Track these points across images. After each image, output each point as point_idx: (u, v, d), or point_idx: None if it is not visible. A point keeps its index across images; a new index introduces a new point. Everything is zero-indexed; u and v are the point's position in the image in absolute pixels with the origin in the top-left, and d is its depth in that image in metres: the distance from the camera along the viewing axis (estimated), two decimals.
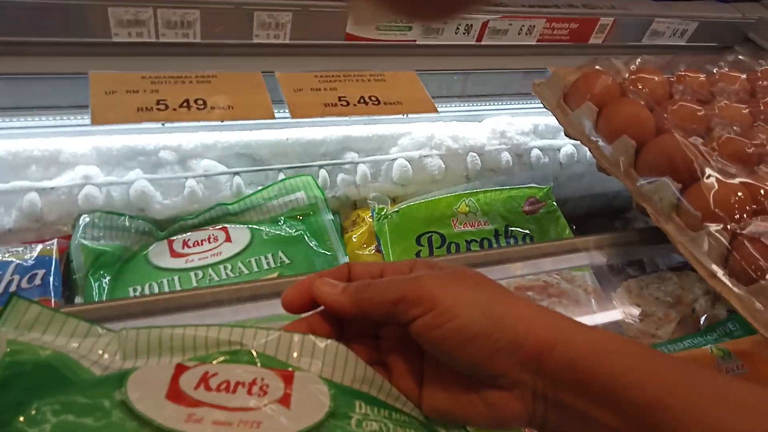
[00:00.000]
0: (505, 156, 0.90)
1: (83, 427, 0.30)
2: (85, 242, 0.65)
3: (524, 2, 0.82)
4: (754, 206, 0.54)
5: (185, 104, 0.62)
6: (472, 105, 0.91)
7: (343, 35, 0.74)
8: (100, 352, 0.35)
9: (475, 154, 0.88)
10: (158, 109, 0.61)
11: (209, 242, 0.70)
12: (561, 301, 0.82)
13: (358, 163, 0.82)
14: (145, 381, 0.33)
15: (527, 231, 0.86)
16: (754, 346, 0.87)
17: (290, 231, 0.74)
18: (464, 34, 0.80)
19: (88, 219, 0.66)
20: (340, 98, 0.69)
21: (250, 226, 0.74)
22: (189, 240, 0.70)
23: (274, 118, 0.64)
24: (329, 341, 0.37)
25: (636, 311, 0.95)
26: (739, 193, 0.54)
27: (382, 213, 0.79)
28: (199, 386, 0.33)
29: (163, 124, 0.70)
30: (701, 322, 0.95)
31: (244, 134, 0.78)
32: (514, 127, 0.92)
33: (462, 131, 0.89)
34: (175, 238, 0.71)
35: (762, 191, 0.54)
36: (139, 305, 0.50)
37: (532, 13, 0.81)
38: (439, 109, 0.88)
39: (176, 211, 0.73)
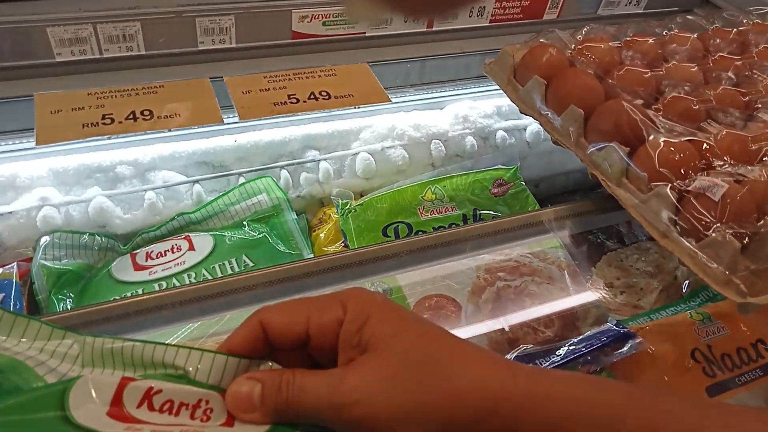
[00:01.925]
0: (470, 140, 0.90)
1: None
2: (45, 263, 0.65)
3: None
4: (702, 162, 0.53)
5: (131, 116, 0.63)
6: (432, 92, 0.90)
7: (290, 34, 0.74)
8: (61, 357, 0.35)
9: (438, 141, 0.88)
10: (104, 124, 0.61)
11: (172, 252, 0.70)
12: (534, 279, 0.81)
13: (319, 160, 0.82)
14: (89, 391, 0.33)
15: (497, 213, 0.86)
16: (734, 307, 0.86)
17: (254, 234, 0.74)
18: (414, 21, 0.80)
19: (47, 239, 0.66)
20: (289, 96, 0.69)
21: (213, 232, 0.74)
22: (152, 252, 0.70)
23: (222, 122, 0.64)
24: (271, 364, 0.35)
25: (617, 283, 0.94)
26: (685, 151, 0.53)
27: (347, 208, 0.79)
28: (142, 404, 0.33)
29: (109, 138, 0.70)
30: (684, 289, 0.94)
31: (201, 142, 0.78)
32: (477, 111, 0.92)
33: (423, 119, 0.89)
34: (137, 251, 0.71)
35: (707, 146, 0.53)
36: (98, 312, 0.49)
37: None
38: (398, 99, 0.89)
39: (137, 225, 0.73)
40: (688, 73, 0.66)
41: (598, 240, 0.99)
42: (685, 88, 0.64)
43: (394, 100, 0.89)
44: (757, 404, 0.73)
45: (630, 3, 0.92)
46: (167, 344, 0.34)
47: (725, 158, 0.53)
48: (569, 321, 0.79)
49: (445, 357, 0.32)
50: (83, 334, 0.36)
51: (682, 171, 0.52)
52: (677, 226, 0.51)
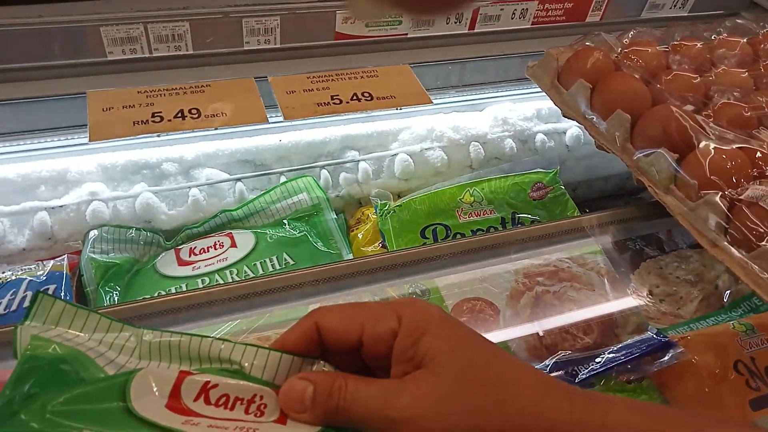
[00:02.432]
0: (509, 143, 0.89)
1: (84, 421, 0.31)
2: (94, 256, 0.67)
3: None
4: (754, 171, 0.52)
5: (180, 115, 0.64)
6: (472, 94, 0.90)
7: (333, 35, 0.75)
8: (119, 349, 0.36)
9: (477, 144, 0.88)
10: (154, 122, 0.63)
11: (215, 249, 0.72)
12: (573, 284, 0.80)
13: (359, 161, 0.83)
14: (149, 384, 0.34)
15: (536, 217, 0.85)
16: None
17: (294, 232, 0.75)
18: (456, 23, 0.80)
19: (96, 234, 0.68)
20: (332, 97, 0.70)
21: (255, 230, 0.75)
22: (195, 248, 0.72)
23: (267, 121, 0.65)
24: (324, 364, 0.36)
25: (657, 291, 0.93)
26: (737, 159, 0.52)
27: (386, 208, 0.79)
28: (199, 398, 0.34)
29: (158, 136, 0.72)
30: (725, 299, 0.92)
31: (244, 141, 0.79)
32: (516, 114, 0.91)
33: (463, 121, 0.88)
34: (181, 246, 0.72)
35: (760, 154, 0.52)
36: (154, 305, 0.50)
37: None
38: (438, 101, 0.89)
39: (182, 221, 0.74)
40: (739, 79, 0.64)
41: (637, 247, 0.97)
42: (735, 94, 0.62)
43: (435, 100, 0.90)
44: None
45: (675, 6, 0.90)
46: (223, 339, 0.35)
47: None
48: (608, 328, 0.78)
49: (500, 379, 0.31)
50: (140, 327, 0.37)
51: (734, 179, 0.51)
52: (727, 236, 0.50)
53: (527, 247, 0.68)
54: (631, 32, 0.69)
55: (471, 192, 0.84)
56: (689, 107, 0.58)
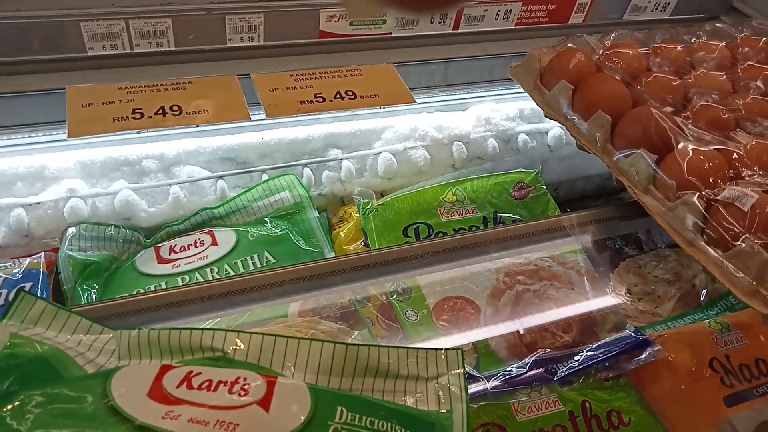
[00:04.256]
0: (491, 143, 0.90)
1: (64, 418, 0.31)
2: (72, 254, 0.66)
3: None
4: (731, 171, 0.53)
5: (161, 111, 0.63)
6: (455, 94, 0.90)
7: (318, 33, 0.74)
8: (98, 351, 0.36)
9: (460, 143, 0.88)
10: (134, 118, 0.62)
11: (195, 246, 0.71)
12: (553, 283, 0.81)
13: (342, 159, 0.83)
14: (130, 379, 0.34)
15: (518, 216, 0.86)
16: (753, 317, 0.85)
17: (276, 231, 0.75)
18: (440, 23, 0.80)
19: (74, 231, 0.67)
20: (315, 95, 0.70)
21: (236, 228, 0.75)
22: (175, 246, 0.71)
23: (250, 119, 0.65)
24: (322, 344, 0.36)
25: (635, 290, 0.94)
26: (714, 160, 0.53)
27: (368, 207, 0.79)
28: (181, 385, 0.34)
29: (138, 133, 0.71)
30: (702, 298, 0.94)
31: (226, 138, 0.78)
32: (499, 113, 0.92)
33: (446, 121, 0.89)
34: (161, 244, 0.71)
35: (736, 156, 0.53)
36: (131, 303, 0.49)
37: None
38: (421, 100, 0.89)
39: (162, 218, 0.73)
40: (717, 82, 0.65)
41: (617, 246, 0.99)
42: (713, 96, 0.63)
43: (418, 99, 0.90)
44: None
45: (656, 9, 0.91)
46: (203, 329, 0.35)
47: (755, 168, 0.53)
48: (587, 326, 0.79)
49: None
50: (119, 329, 0.37)
51: (711, 180, 0.52)
52: (704, 235, 0.51)
53: (508, 246, 0.68)
54: (613, 34, 0.70)
55: (453, 191, 0.84)
56: (668, 109, 0.59)
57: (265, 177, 0.79)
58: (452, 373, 0.40)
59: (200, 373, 0.34)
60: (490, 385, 0.67)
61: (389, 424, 0.36)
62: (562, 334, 0.76)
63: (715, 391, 0.72)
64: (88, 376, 0.35)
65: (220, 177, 0.77)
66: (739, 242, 0.48)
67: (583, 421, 0.66)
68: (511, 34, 0.84)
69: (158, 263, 0.69)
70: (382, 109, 0.86)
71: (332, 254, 0.76)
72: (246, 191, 0.77)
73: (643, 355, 0.74)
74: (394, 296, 0.74)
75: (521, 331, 0.75)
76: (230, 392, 0.34)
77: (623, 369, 0.73)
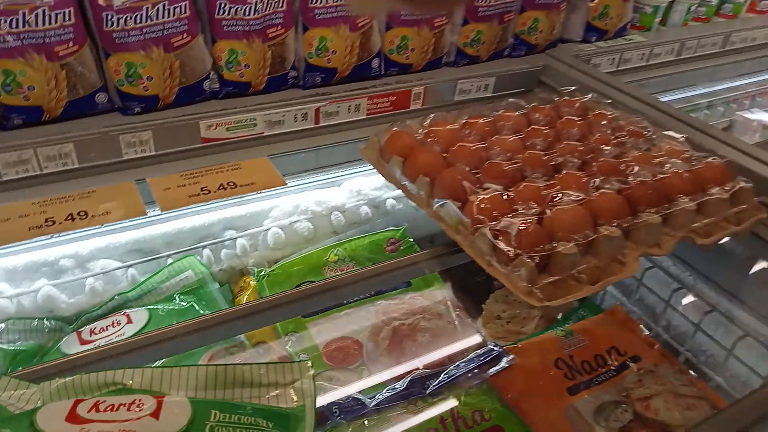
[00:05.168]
0: (364, 209, 1.08)
1: None
2: (2, 346, 0.77)
3: (348, 88, 1.03)
4: (510, 209, 0.72)
5: (70, 217, 0.77)
6: (329, 173, 1.09)
7: (200, 139, 0.91)
8: (26, 400, 0.49)
9: (338, 213, 1.06)
10: (47, 225, 0.76)
11: (113, 327, 0.83)
12: (424, 316, 0.98)
13: (236, 238, 0.98)
14: (51, 412, 0.47)
15: None
16: (592, 323, 1.05)
17: (183, 304, 0.88)
18: (303, 120, 0.99)
19: (2, 327, 0.78)
20: (202, 189, 0.85)
21: (148, 307, 0.88)
22: (95, 328, 0.83)
23: (146, 214, 0.79)
24: (197, 369, 0.51)
25: (504, 315, 1.12)
26: (496, 202, 0.72)
27: (262, 274, 0.94)
28: (91, 410, 0.47)
29: (51, 237, 0.84)
30: (559, 315, 1.13)
31: (133, 233, 0.93)
32: (368, 185, 1.11)
33: (324, 196, 1.07)
34: (82, 329, 0.83)
35: (512, 197, 0.73)
36: (52, 368, 0.60)
37: (354, 95, 1.02)
38: (301, 182, 1.07)
39: (81, 307, 0.86)
40: (509, 143, 0.86)
41: (485, 279, 1.18)
42: (508, 155, 0.84)
43: (297, 183, 1.08)
44: (611, 399, 0.89)
45: (479, 90, 1.15)
46: (106, 370, 0.49)
47: (526, 204, 0.72)
48: (455, 348, 0.96)
49: None
50: (42, 382, 0.50)
51: (495, 216, 0.71)
52: (495, 257, 0.69)
53: (371, 286, 0.81)
54: (430, 117, 0.91)
55: (335, 252, 1.01)
56: (468, 169, 0.79)
57: (169, 261, 0.93)
58: (303, 378, 0.55)
59: (105, 401, 0.48)
60: (372, 404, 0.82)
61: (253, 418, 0.50)
62: (434, 355, 0.92)
63: (560, 384, 0.90)
64: (18, 414, 0.47)
65: (130, 266, 0.90)
66: (515, 259, 0.67)
67: (451, 423, 0.81)
68: (363, 123, 1.04)
69: (80, 344, 0.80)
70: (268, 193, 1.04)
71: None
72: (153, 275, 0.90)
73: (500, 365, 0.91)
74: (289, 344, 0.88)
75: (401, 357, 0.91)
76: (128, 410, 0.47)
77: (484, 377, 0.90)
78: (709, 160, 0.82)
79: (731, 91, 1.59)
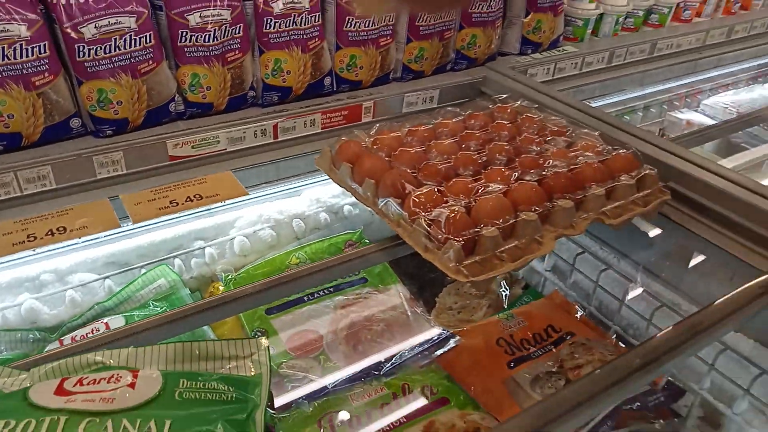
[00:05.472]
0: (323, 215, 1.18)
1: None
2: None
3: (303, 105, 1.13)
4: (442, 201, 0.82)
5: (50, 233, 0.85)
6: (290, 184, 1.18)
7: (168, 157, 1.00)
8: (20, 384, 0.57)
9: (299, 220, 1.15)
10: (29, 241, 0.84)
11: (92, 333, 0.91)
12: (379, 308, 1.07)
13: (204, 247, 1.07)
14: (41, 388, 0.55)
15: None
16: (532, 307, 1.16)
17: (157, 309, 0.96)
18: (262, 135, 1.09)
19: None
20: (171, 202, 0.94)
21: (125, 314, 0.95)
22: (76, 336, 0.91)
23: (119, 226, 0.88)
24: (167, 346, 0.59)
25: (455, 306, 1.22)
26: (430, 196, 0.82)
27: (229, 278, 1.03)
28: (76, 385, 0.55)
29: (34, 251, 0.92)
30: (505, 302, 1.23)
31: (108, 247, 1.01)
32: (327, 193, 1.20)
33: (285, 205, 1.16)
34: (64, 338, 0.91)
35: (443, 191, 0.83)
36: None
37: (309, 111, 1.12)
38: (263, 192, 1.16)
39: (62, 318, 0.93)
40: (446, 146, 0.97)
41: (438, 275, 1.27)
42: (444, 156, 0.94)
43: (260, 194, 1.17)
44: (546, 370, 0.99)
45: (425, 102, 1.26)
46: (89, 351, 0.57)
47: (456, 196, 0.83)
48: (408, 333, 1.05)
49: None
50: (30, 369, 0.58)
51: (429, 208, 0.81)
52: (431, 243, 0.79)
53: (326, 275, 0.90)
54: (375, 127, 1.01)
55: (297, 255, 1.10)
56: (408, 170, 0.89)
57: (143, 271, 1.01)
58: (259, 351, 0.63)
59: (88, 377, 0.56)
60: (330, 384, 0.90)
61: (216, 384, 0.59)
62: (386, 341, 1.01)
63: (501, 360, 1.00)
64: (12, 392, 0.56)
65: (107, 277, 0.98)
66: (445, 243, 0.76)
67: (402, 397, 0.91)
68: (319, 136, 1.14)
69: None
70: (233, 204, 1.13)
71: None
72: (128, 284, 0.98)
73: (447, 346, 1.01)
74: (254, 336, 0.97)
75: (359, 347, 1.00)
76: (108, 382, 0.55)
77: (433, 357, 0.99)
78: (619, 152, 0.94)
79: (661, 93, 1.74)
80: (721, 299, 0.74)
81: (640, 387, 0.75)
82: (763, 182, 0.93)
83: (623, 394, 0.66)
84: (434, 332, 1.02)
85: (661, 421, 1.00)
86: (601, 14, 1.58)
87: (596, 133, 0.99)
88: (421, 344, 0.99)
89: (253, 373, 0.62)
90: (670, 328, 0.70)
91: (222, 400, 0.55)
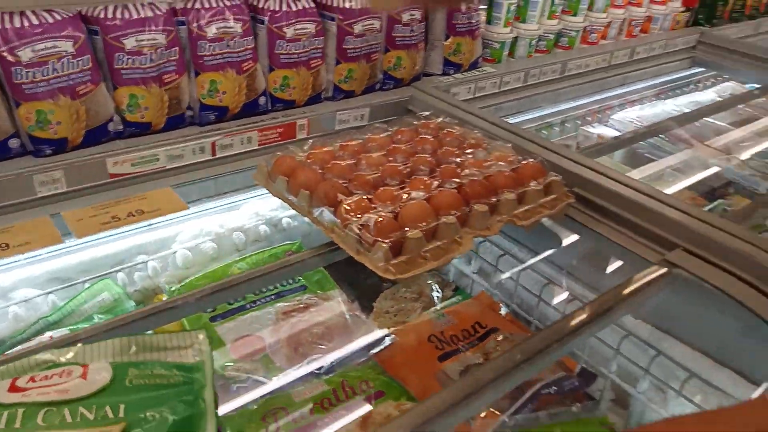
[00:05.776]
0: (263, 228, 1.24)
1: None
2: None
3: (239, 123, 1.19)
4: (371, 207, 0.91)
5: None
6: (230, 198, 1.24)
7: (108, 175, 1.04)
8: None
9: (239, 232, 1.21)
10: None
11: None
12: (319, 312, 1.14)
13: (147, 261, 1.10)
14: None
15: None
16: (462, 306, 1.25)
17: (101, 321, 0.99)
18: (201, 153, 1.14)
19: None
20: (112, 217, 0.98)
21: (70, 327, 0.98)
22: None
23: (62, 242, 0.91)
24: (113, 341, 0.64)
25: (392, 310, 1.30)
26: (361, 203, 0.91)
27: (173, 291, 1.07)
28: (29, 382, 0.59)
29: None
30: (438, 306, 1.32)
31: (51, 263, 1.03)
32: (266, 207, 1.27)
33: (226, 219, 1.21)
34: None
35: (373, 200, 0.92)
36: None
37: (246, 129, 1.18)
38: (204, 207, 1.21)
39: (7, 333, 0.95)
40: (374, 159, 1.06)
41: (375, 281, 1.35)
42: (373, 168, 1.03)
43: (200, 209, 1.22)
44: (474, 361, 1.08)
45: (356, 119, 1.35)
46: (39, 351, 0.61)
47: (383, 203, 0.91)
48: (345, 334, 1.12)
49: None
50: None
51: (358, 215, 0.89)
52: (362, 246, 0.87)
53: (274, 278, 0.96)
54: (309, 142, 1.08)
55: (238, 266, 1.15)
56: (340, 181, 0.97)
57: (87, 285, 1.04)
58: (200, 341, 0.69)
59: (39, 374, 0.60)
60: (274, 385, 0.96)
61: (163, 369, 0.64)
62: (326, 343, 1.08)
63: (432, 355, 1.08)
64: None
65: (50, 293, 1.01)
66: (374, 245, 0.85)
67: (341, 392, 0.97)
68: (256, 152, 1.20)
69: None
70: (174, 218, 1.17)
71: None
72: (72, 299, 1.01)
73: (384, 343, 1.08)
74: None
75: (300, 349, 1.06)
76: (60, 377, 0.60)
77: (369, 355, 1.07)
78: (528, 161, 1.05)
79: (575, 110, 1.90)
80: (615, 287, 0.85)
81: (548, 363, 0.85)
82: (665, 189, 1.07)
83: (533, 370, 0.76)
84: (371, 333, 1.09)
85: (578, 404, 1.11)
86: (515, 38, 1.72)
87: (509, 145, 1.11)
88: (358, 344, 1.06)
89: (196, 360, 0.67)
90: (572, 312, 0.81)
91: (170, 384, 0.60)
